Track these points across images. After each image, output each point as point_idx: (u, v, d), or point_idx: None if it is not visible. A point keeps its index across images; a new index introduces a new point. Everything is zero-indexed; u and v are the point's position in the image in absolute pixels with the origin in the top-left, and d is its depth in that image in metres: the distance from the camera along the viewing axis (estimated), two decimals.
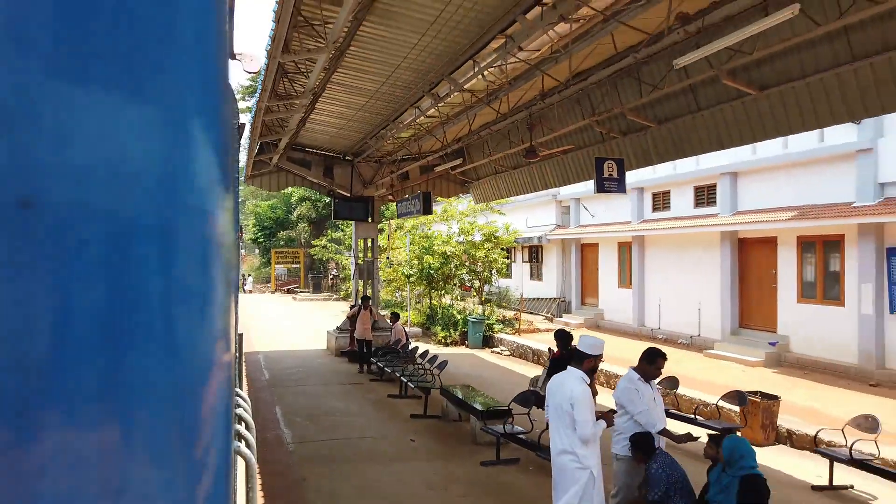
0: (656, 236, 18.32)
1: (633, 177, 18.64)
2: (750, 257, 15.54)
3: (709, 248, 16.43)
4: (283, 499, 6.87)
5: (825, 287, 13.45)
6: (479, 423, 8.60)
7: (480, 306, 21.41)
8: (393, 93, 11.25)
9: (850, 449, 7.32)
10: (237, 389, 3.71)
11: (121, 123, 0.57)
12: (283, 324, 23.77)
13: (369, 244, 17.42)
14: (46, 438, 0.52)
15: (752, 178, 15.28)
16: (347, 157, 16.98)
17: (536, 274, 26.02)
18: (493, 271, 21.95)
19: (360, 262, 17.42)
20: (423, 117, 12.27)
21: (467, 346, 18.24)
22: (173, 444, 0.61)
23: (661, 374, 5.79)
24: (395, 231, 23.80)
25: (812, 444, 8.60)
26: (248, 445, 3.06)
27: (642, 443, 5.32)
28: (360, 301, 14.95)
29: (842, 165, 12.82)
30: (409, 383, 11.08)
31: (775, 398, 9.28)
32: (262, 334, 20.00)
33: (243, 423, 3.30)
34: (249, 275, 48.32)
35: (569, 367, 5.07)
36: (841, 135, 12.62)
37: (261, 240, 47.91)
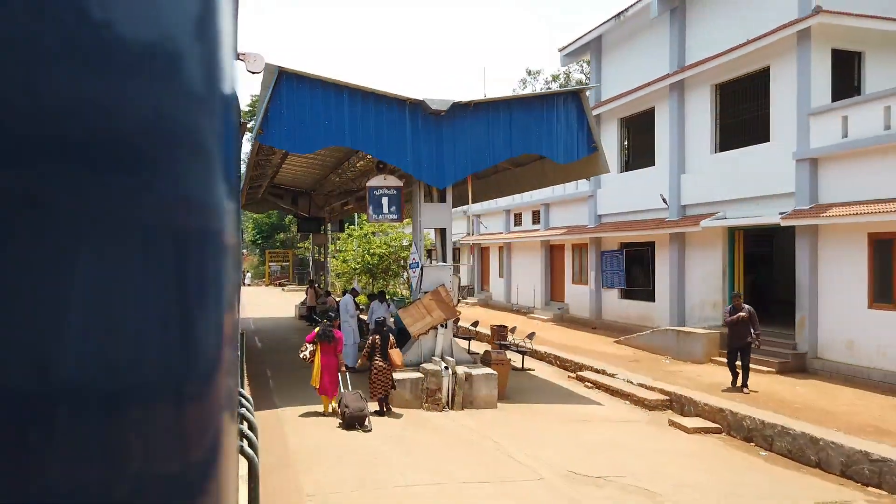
0: (514, 242, 27.61)
1: (505, 201, 27.85)
2: (554, 257, 24.88)
3: (537, 251, 25.73)
4: (255, 360, 16.16)
5: (582, 274, 22.75)
6: None
7: (407, 290, 30.73)
8: (320, 168, 20.56)
9: (514, 342, 16.53)
10: (240, 389, 3.44)
11: (130, 125, 0.56)
12: (270, 304, 33.21)
13: (321, 248, 26.79)
14: (52, 434, 0.51)
15: (554, 207, 24.59)
16: (307, 191, 26.26)
17: (456, 269, 35.43)
18: None
19: (316, 258, 26.78)
20: (342, 175, 21.50)
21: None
22: (178, 443, 0.63)
23: (385, 300, 15.08)
24: (347, 238, 33.06)
25: (517, 347, 17.82)
26: (251, 445, 2.95)
27: (379, 323, 14.63)
28: (311, 282, 24.32)
29: (585, 203, 22.10)
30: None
31: (505, 327, 18.47)
32: (255, 310, 29.39)
33: (246, 423, 3.17)
34: (248, 271, 57.72)
35: (347, 294, 14.44)
36: (583, 185, 21.87)
37: (259, 241, 57.24)
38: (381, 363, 10.39)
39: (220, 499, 0.73)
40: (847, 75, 14.00)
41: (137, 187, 0.57)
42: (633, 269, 19.96)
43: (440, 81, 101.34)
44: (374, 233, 32.32)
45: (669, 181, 17.73)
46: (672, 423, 10.81)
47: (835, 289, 13.06)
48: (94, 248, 0.53)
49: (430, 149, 11.06)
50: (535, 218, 26.33)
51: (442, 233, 12.19)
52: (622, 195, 20.21)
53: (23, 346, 0.50)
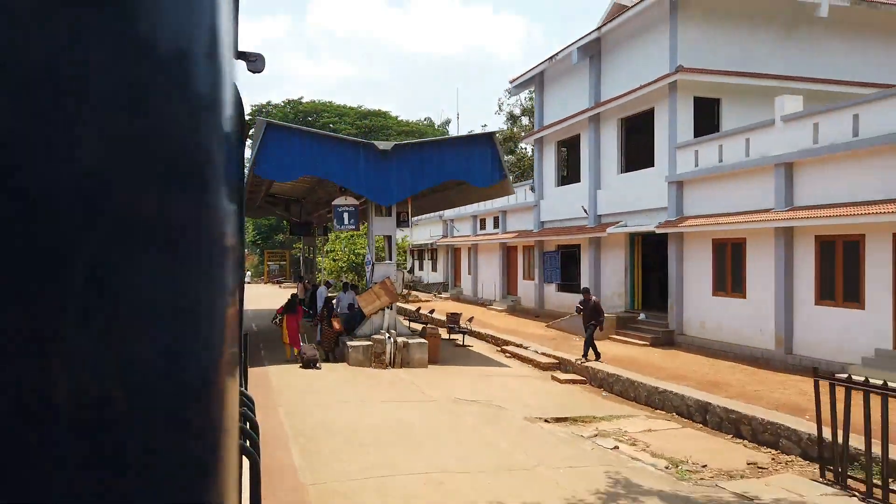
0: (479, 244, 31.67)
1: (472, 208, 31.87)
2: (510, 257, 28.96)
3: (496, 251, 29.80)
4: (251, 338, 20.19)
5: (530, 271, 26.82)
6: None
7: None
8: (307, 183, 24.60)
9: (458, 325, 20.58)
10: (242, 389, 3.45)
11: (134, 126, 0.57)
12: (267, 298, 37.37)
13: (311, 249, 30.86)
14: (55, 433, 0.52)
15: (510, 214, 28.68)
16: (298, 199, 30.31)
17: (434, 267, 39.54)
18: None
19: (306, 257, 30.87)
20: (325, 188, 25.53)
21: None
22: (181, 443, 0.64)
23: (350, 288, 19.16)
24: (335, 239, 37.16)
25: (460, 328, 21.81)
26: (252, 444, 2.94)
27: (327, 298, 18.71)
28: (300, 278, 28.41)
29: (530, 212, 26.17)
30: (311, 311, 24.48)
31: (457, 314, 22.50)
32: (253, 303, 33.52)
33: (248, 422, 3.15)
34: (248, 270, 61.90)
35: (323, 286, 18.53)
36: (530, 196, 25.91)
37: (259, 242, 61.37)
38: (326, 327, 15.27)
39: (223, 499, 0.73)
40: (710, 117, 18.06)
41: (144, 189, 0.57)
42: (566, 266, 24.02)
43: (435, 87, 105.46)
44: (364, 234, 36.46)
45: (589, 195, 21.80)
46: (553, 378, 14.88)
47: (693, 281, 17.13)
48: (94, 247, 0.54)
49: (378, 177, 15.11)
50: (496, 223, 30.42)
51: (388, 239, 16.27)
52: (558, 205, 24.29)
53: (25, 343, 0.51)
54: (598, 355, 15.38)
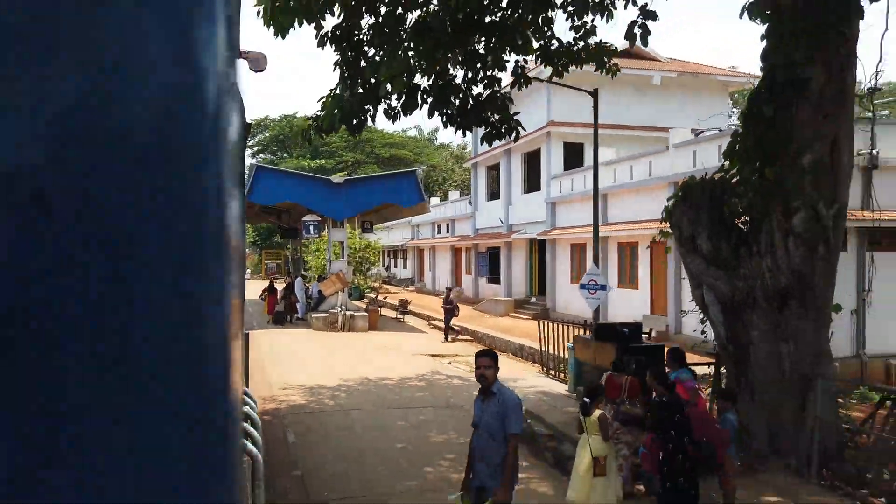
0: (437, 245, 38.68)
1: (431, 216, 38.83)
2: (457, 256, 35.98)
3: (448, 251, 36.79)
4: (246, 318, 27.21)
5: (469, 267, 33.80)
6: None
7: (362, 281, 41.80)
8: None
9: (405, 307, 27.52)
10: (244, 388, 3.50)
11: (137, 127, 0.58)
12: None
13: (298, 249, 37.92)
14: (56, 433, 0.53)
15: (457, 221, 35.68)
16: (287, 210, 37.29)
17: (405, 265, 46.65)
18: (371, 263, 42.30)
19: (294, 257, 37.94)
20: None
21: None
22: (184, 441, 0.64)
23: (320, 274, 26.20)
24: (319, 240, 44.14)
25: (404, 308, 28.69)
26: (254, 443, 3.02)
27: (317, 292, 25.74)
28: (290, 274, 35.45)
29: (469, 220, 33.16)
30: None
31: (406, 300, 29.45)
32: (250, 294, 40.62)
33: (249, 421, 3.23)
34: (248, 268, 68.99)
35: (299, 277, 25.57)
36: (469, 207, 32.88)
37: (258, 242, 68.42)
38: (287, 301, 22.26)
39: (225, 498, 0.74)
40: (578, 156, 25.03)
41: (148, 189, 0.58)
42: (493, 263, 31.00)
43: None
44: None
45: (504, 209, 28.81)
46: (452, 338, 21.87)
47: (560, 274, 24.11)
48: (100, 245, 0.55)
49: (333, 201, 22.09)
50: (448, 228, 37.44)
51: (341, 244, 23.29)
52: (487, 216, 31.30)
53: (26, 341, 0.51)
54: (453, 335, 22.02)
